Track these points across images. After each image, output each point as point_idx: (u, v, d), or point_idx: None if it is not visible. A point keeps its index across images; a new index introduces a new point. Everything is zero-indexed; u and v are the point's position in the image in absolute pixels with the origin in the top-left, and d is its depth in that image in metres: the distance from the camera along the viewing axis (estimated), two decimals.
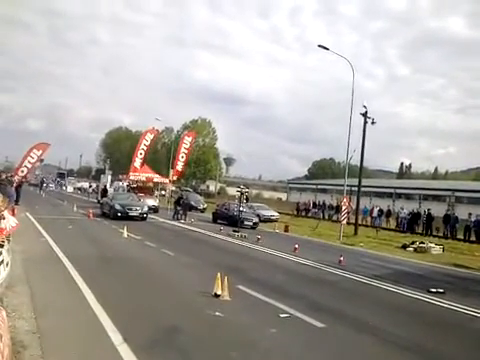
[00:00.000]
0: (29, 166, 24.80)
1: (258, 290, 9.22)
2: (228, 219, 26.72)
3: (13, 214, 11.13)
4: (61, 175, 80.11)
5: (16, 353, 4.95)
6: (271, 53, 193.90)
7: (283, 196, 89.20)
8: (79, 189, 64.76)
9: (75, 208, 28.59)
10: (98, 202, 38.77)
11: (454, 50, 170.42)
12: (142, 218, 24.82)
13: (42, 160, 45.99)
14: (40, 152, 24.39)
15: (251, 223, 26.42)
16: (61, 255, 11.77)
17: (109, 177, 43.85)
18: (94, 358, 5.23)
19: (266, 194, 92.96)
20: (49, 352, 5.15)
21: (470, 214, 28.05)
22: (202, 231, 21.88)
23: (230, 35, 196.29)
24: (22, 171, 24.38)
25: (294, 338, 6.50)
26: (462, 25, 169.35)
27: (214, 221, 28.25)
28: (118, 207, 24.43)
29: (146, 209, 25.77)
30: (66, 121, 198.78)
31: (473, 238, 26.71)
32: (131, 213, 24.44)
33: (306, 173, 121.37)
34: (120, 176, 41.46)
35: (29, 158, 24.18)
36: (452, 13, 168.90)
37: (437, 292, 10.76)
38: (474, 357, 6.52)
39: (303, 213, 43.55)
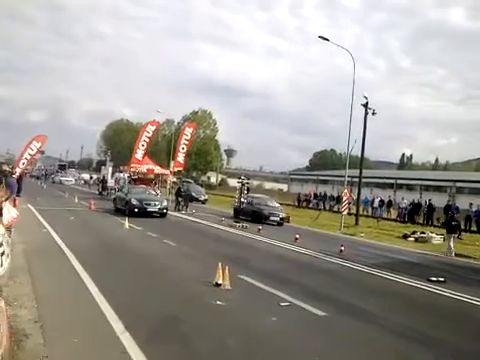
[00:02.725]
0: (29, 158, 24.76)
1: (259, 279, 9.25)
2: (251, 214, 23.94)
3: (15, 206, 11.15)
4: (62, 167, 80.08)
5: (18, 342, 4.99)
6: (272, 45, 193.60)
7: (284, 187, 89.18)
8: (83, 180, 64.61)
9: (76, 200, 28.62)
10: (99, 193, 38.88)
11: (455, 41, 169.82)
12: (161, 214, 22.26)
13: (43, 152, 46.00)
14: (39, 144, 24.30)
15: (278, 219, 23.74)
16: (63, 246, 11.80)
17: (110, 169, 43.87)
18: (96, 347, 5.26)
19: (267, 185, 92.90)
20: (51, 341, 5.18)
21: (471, 204, 28.14)
22: (203, 222, 21.90)
23: (231, 27, 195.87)
24: (23, 163, 24.32)
25: (295, 326, 6.54)
26: (463, 17, 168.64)
27: (235, 216, 24.16)
28: (135, 202, 21.72)
29: (165, 204, 23.08)
30: (67, 113, 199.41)
31: (474, 228, 26.80)
32: (150, 208, 21.90)
33: (307, 164, 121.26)
34: (121, 167, 41.43)
35: (29, 150, 24.10)
36: (454, 5, 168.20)
37: (437, 281, 10.80)
38: (474, 345, 6.54)
39: (304, 204, 43.59)
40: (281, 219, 23.90)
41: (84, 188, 50.27)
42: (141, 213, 21.15)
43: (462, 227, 26.65)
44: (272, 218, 23.59)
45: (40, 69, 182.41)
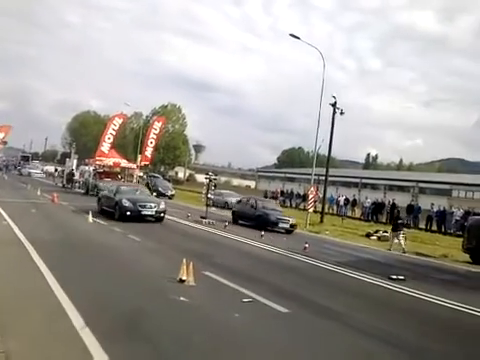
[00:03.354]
0: None
1: (223, 276, 9.25)
2: (255, 220, 21.05)
3: None
4: (25, 158, 77.96)
5: None
6: (245, 41, 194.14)
7: (252, 184, 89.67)
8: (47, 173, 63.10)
9: (39, 192, 27.90)
10: (63, 186, 38.08)
11: (425, 44, 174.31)
12: (158, 218, 18.76)
13: (6, 142, 44.71)
14: (2, 134, 23.68)
15: (287, 225, 20.51)
16: (23, 239, 11.49)
17: (75, 161, 43.01)
18: (55, 342, 5.14)
19: (235, 182, 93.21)
20: (8, 336, 5.02)
21: (432, 204, 28.99)
22: (169, 217, 21.68)
23: (203, 21, 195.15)
24: None
25: (257, 322, 6.57)
26: (434, 20, 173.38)
27: (235, 222, 22.20)
28: (127, 204, 17.99)
29: (163, 206, 19.28)
30: (33, 104, 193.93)
31: (434, 228, 27.63)
32: (144, 212, 18.28)
33: (275, 162, 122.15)
34: (86, 160, 40.65)
35: None
36: (424, 8, 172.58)
37: (398, 279, 11.07)
38: (431, 341, 6.73)
39: None
40: (291, 226, 20.64)
41: (49, 181, 49.08)
42: (134, 217, 17.88)
43: (423, 226, 27.67)
44: (281, 225, 20.43)
45: (6, 57, 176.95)
